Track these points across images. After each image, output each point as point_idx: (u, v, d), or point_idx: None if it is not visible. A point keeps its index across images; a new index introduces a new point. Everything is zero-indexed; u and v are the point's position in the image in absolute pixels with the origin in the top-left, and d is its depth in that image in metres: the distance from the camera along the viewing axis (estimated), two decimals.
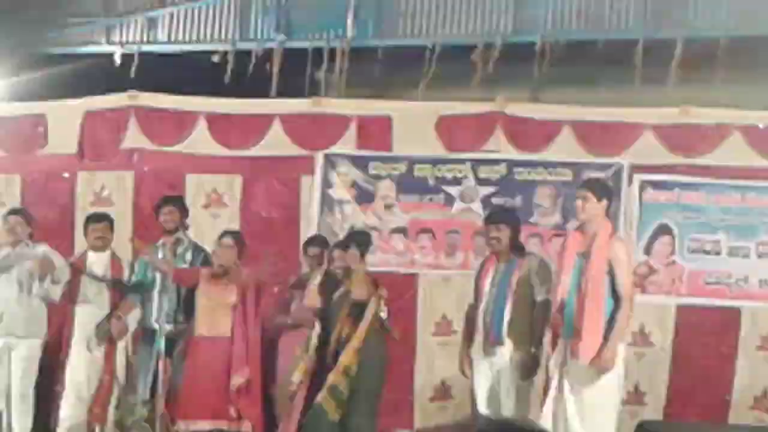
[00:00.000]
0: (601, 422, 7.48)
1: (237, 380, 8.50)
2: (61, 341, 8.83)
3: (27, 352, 8.56)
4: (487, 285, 8.12)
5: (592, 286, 7.41)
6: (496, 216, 8.46)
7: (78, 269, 8.82)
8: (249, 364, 8.59)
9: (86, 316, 8.80)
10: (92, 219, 9.08)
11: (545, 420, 7.52)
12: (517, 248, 8.15)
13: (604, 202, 7.62)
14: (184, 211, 9.14)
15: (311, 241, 9.14)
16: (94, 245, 8.91)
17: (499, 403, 7.92)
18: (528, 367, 7.84)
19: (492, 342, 7.96)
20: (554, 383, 7.57)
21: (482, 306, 8.10)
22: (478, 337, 8.10)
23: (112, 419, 8.66)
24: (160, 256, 8.86)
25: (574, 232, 7.74)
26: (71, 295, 8.80)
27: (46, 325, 8.72)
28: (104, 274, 8.87)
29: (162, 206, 9.11)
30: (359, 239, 8.64)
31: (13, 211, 8.97)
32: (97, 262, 8.89)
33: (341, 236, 9.67)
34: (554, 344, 7.82)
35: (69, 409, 8.73)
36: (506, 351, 7.93)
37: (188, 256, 8.92)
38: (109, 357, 8.85)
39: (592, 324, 7.37)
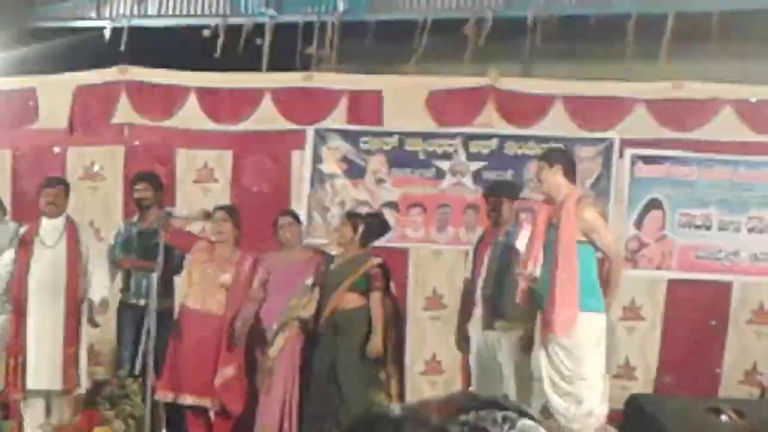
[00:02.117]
0: (586, 391, 7.55)
1: (224, 374, 8.55)
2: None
3: None
4: (486, 259, 8.19)
5: (564, 256, 7.45)
6: (496, 188, 8.55)
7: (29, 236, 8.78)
8: (237, 356, 8.65)
9: (41, 286, 8.73)
10: (45, 184, 8.99)
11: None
12: (516, 221, 8.24)
13: (558, 166, 7.66)
14: (159, 188, 9.16)
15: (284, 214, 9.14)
16: (45, 211, 8.80)
17: (500, 378, 8.01)
18: (528, 341, 7.92)
19: (494, 316, 8.05)
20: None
21: (481, 280, 8.16)
22: (477, 312, 8.18)
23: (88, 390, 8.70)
24: (133, 233, 8.95)
25: (542, 204, 7.80)
26: (25, 261, 8.76)
27: None
28: (58, 240, 8.78)
29: (136, 183, 9.15)
30: (374, 225, 8.77)
31: None
32: (50, 229, 8.80)
33: (333, 211, 9.77)
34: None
35: (36, 378, 8.71)
36: (508, 326, 8.01)
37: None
38: (71, 329, 8.79)
39: (565, 296, 7.42)
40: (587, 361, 7.52)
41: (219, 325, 8.62)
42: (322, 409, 8.31)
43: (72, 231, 8.85)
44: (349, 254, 8.59)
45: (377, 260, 8.51)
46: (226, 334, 8.60)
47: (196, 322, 8.66)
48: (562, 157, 7.93)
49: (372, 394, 8.34)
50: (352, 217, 8.76)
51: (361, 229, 8.54)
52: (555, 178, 7.62)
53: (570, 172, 7.73)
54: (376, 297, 8.39)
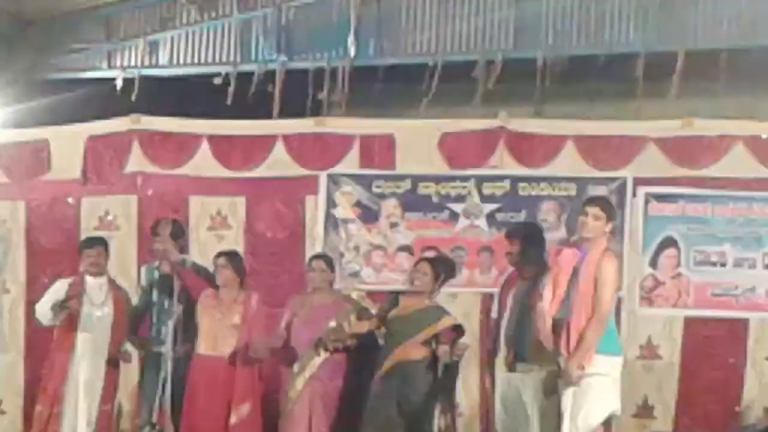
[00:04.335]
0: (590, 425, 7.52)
1: (240, 413, 8.51)
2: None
3: None
4: (510, 300, 8.17)
5: (580, 303, 7.43)
6: (512, 231, 8.53)
7: (77, 294, 8.81)
8: (253, 391, 8.64)
9: (87, 343, 8.78)
10: (85, 244, 9.10)
11: None
12: (539, 264, 8.15)
13: (611, 224, 7.67)
14: (180, 233, 9.17)
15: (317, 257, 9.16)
16: (88, 271, 8.90)
17: (525, 420, 7.95)
18: (550, 385, 7.83)
19: (515, 358, 8.01)
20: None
21: (504, 321, 8.16)
22: (500, 353, 8.17)
23: None
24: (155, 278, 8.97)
25: (567, 250, 7.73)
26: (72, 320, 8.77)
27: None
28: (105, 299, 8.86)
29: (156, 227, 9.15)
30: (449, 271, 8.72)
31: None
32: (96, 288, 8.87)
33: (347, 256, 9.77)
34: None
35: None
36: (529, 368, 7.99)
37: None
38: (109, 386, 8.87)
39: (576, 339, 7.39)
40: (592, 403, 7.50)
41: (230, 368, 8.57)
42: None
43: (116, 289, 8.93)
44: (417, 304, 8.51)
45: (452, 321, 8.44)
46: (239, 373, 8.58)
47: (210, 368, 8.63)
48: (614, 212, 7.91)
49: None
50: (431, 262, 8.71)
51: (442, 276, 8.54)
52: (597, 224, 7.63)
53: (609, 220, 7.75)
54: (444, 349, 8.30)
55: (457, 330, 8.41)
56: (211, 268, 8.89)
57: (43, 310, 8.83)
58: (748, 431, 9.18)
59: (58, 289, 8.85)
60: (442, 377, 8.37)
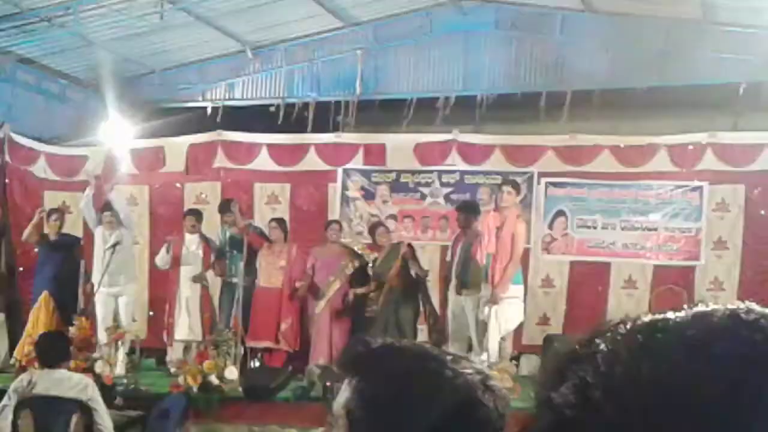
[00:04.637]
0: (507, 329, 7.74)
1: (286, 323, 8.67)
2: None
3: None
4: (458, 250, 8.31)
5: (502, 250, 7.62)
6: (460, 206, 8.69)
7: (180, 243, 8.95)
8: (294, 310, 8.77)
9: (188, 273, 8.92)
10: (187, 213, 9.23)
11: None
12: (476, 227, 8.25)
13: (519, 195, 7.86)
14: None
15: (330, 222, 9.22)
16: (189, 230, 9.02)
17: (467, 326, 8.09)
18: (479, 303, 8.01)
19: (461, 286, 8.17)
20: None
21: (455, 263, 8.29)
22: (452, 284, 8.31)
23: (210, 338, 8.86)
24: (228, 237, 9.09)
25: (492, 213, 7.93)
26: (176, 259, 8.92)
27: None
28: (197, 248, 8.95)
29: (229, 204, 9.19)
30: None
31: None
32: (193, 241, 8.99)
33: (355, 222, 9.90)
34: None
35: (183, 332, 8.92)
36: (469, 292, 8.10)
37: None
38: (206, 300, 9.03)
39: (499, 275, 7.62)
40: (508, 314, 7.70)
41: (279, 294, 8.71)
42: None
43: (204, 241, 9.03)
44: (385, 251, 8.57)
45: (406, 243, 8.59)
46: (285, 298, 8.68)
47: (266, 294, 8.75)
48: (520, 187, 8.10)
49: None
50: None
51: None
52: (509, 197, 7.80)
53: (517, 194, 7.90)
54: (411, 261, 8.39)
55: (410, 246, 8.51)
56: (267, 230, 9.06)
57: (162, 261, 9.02)
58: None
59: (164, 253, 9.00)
60: (423, 295, 8.52)
